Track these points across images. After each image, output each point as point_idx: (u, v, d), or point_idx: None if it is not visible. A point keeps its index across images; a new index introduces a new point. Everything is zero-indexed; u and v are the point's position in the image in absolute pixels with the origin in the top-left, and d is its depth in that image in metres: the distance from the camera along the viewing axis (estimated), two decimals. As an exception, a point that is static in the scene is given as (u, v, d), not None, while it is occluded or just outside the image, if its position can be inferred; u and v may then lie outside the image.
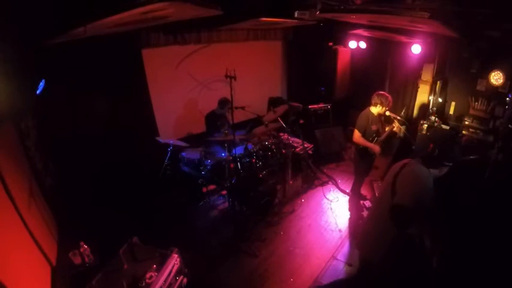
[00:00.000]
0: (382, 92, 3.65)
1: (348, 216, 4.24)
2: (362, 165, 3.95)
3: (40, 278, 2.80)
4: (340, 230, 4.01)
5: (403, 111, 3.85)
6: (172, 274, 2.71)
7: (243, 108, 4.39)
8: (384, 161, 5.08)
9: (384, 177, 4.94)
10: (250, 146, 4.53)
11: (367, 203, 4.45)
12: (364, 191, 4.50)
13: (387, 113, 3.66)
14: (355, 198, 4.17)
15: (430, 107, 5.32)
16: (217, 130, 4.48)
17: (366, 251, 2.37)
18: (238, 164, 4.09)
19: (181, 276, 2.86)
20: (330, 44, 6.08)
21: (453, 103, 5.10)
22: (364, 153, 3.82)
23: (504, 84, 4.36)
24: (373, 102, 3.65)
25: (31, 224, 2.88)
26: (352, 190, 4.17)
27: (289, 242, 3.83)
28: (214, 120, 4.52)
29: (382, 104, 3.59)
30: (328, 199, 4.72)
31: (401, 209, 1.99)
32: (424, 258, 2.11)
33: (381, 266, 2.29)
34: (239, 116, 4.57)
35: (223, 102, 4.47)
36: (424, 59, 5.20)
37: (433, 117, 5.06)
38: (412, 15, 2.87)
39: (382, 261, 2.27)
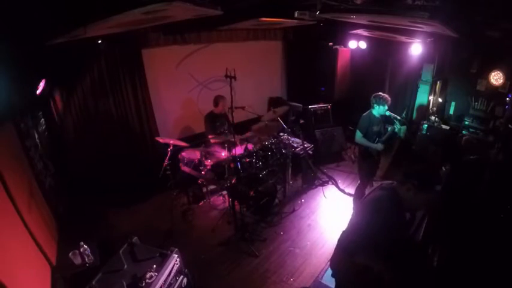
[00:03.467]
0: (381, 93, 3.71)
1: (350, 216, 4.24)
2: (366, 167, 3.99)
3: (40, 278, 2.80)
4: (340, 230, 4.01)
5: (405, 112, 3.88)
6: (172, 274, 2.71)
7: (243, 108, 4.39)
8: (384, 161, 5.09)
9: (384, 177, 4.97)
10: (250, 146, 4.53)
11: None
12: (366, 191, 4.50)
13: (387, 113, 3.70)
14: (360, 199, 4.17)
15: (430, 107, 5.32)
16: (215, 130, 4.48)
17: (337, 277, 2.29)
18: (238, 164, 4.09)
19: (181, 276, 2.86)
20: (330, 44, 6.07)
21: (453, 103, 5.10)
22: (366, 155, 3.86)
23: (504, 84, 4.36)
24: (372, 104, 3.72)
25: (31, 224, 2.88)
26: (356, 191, 4.18)
27: (289, 242, 3.83)
28: (213, 120, 4.52)
29: (381, 105, 3.65)
30: (328, 199, 4.71)
31: (346, 236, 1.92)
32: None
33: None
34: (239, 116, 4.57)
35: (215, 99, 4.48)
36: (424, 59, 5.20)
37: (433, 117, 5.06)
38: (412, 15, 2.87)
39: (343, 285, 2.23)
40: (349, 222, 2.02)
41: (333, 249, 2.21)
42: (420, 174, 1.85)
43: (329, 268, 3.40)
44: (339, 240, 1.93)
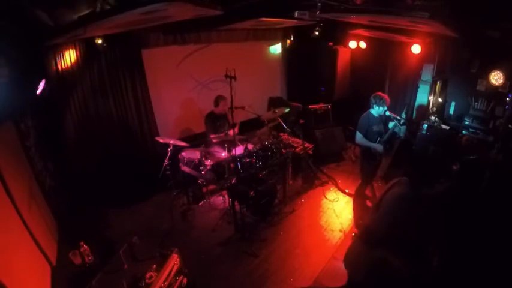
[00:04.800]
0: (379, 93, 3.71)
1: (350, 216, 4.25)
2: (367, 167, 3.99)
3: (40, 278, 2.80)
4: (340, 230, 4.01)
5: (404, 110, 3.87)
6: (172, 274, 2.71)
7: (243, 108, 4.39)
8: (384, 162, 5.08)
9: (384, 177, 4.96)
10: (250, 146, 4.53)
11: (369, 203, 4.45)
12: (366, 191, 4.50)
13: (387, 113, 3.70)
14: (360, 199, 4.17)
15: (430, 107, 5.32)
16: (216, 130, 4.48)
17: (349, 269, 2.30)
18: (238, 164, 4.09)
19: (181, 276, 2.86)
20: (330, 44, 6.07)
21: (453, 103, 5.09)
22: (368, 155, 3.86)
23: (504, 84, 4.35)
24: (371, 103, 3.72)
25: (31, 224, 2.88)
26: (357, 191, 4.18)
27: (289, 242, 3.83)
28: (214, 120, 4.51)
29: (380, 105, 3.65)
30: (328, 199, 4.72)
31: (369, 230, 1.95)
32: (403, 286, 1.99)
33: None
34: (239, 116, 4.57)
35: (216, 99, 4.47)
36: (424, 59, 5.20)
37: (433, 117, 5.05)
38: (412, 15, 2.87)
39: (364, 284, 2.20)
40: (371, 217, 2.03)
41: (334, 249, 2.22)
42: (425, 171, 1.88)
43: (329, 268, 3.42)
44: (360, 233, 1.96)
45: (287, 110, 4.62)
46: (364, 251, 2.12)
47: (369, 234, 1.94)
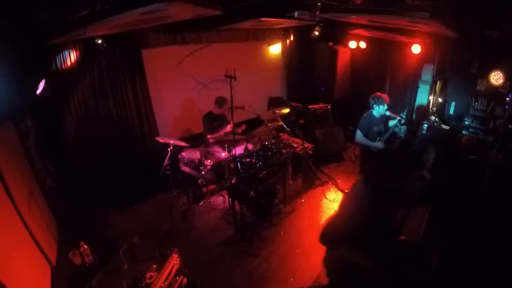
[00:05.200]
0: (379, 93, 3.73)
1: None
2: (367, 167, 3.99)
3: (40, 278, 2.81)
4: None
5: (405, 111, 3.88)
6: (172, 274, 2.71)
7: (243, 108, 4.39)
8: (384, 161, 5.08)
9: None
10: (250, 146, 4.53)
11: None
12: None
13: (387, 113, 3.71)
14: None
15: (430, 107, 5.32)
16: (214, 130, 4.47)
17: (327, 270, 2.33)
18: (238, 164, 4.09)
19: (181, 276, 2.86)
20: (330, 44, 6.07)
21: (453, 103, 5.09)
22: (368, 155, 3.87)
23: (504, 84, 4.35)
24: (371, 105, 3.74)
25: (31, 224, 2.88)
26: None
27: (289, 242, 3.83)
28: (212, 120, 4.51)
29: (380, 104, 3.67)
30: (328, 199, 4.72)
31: (327, 228, 1.97)
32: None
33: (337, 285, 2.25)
34: (239, 116, 4.57)
35: (221, 101, 4.44)
36: (424, 59, 5.20)
37: (433, 117, 5.06)
38: (412, 15, 2.87)
39: (344, 283, 2.23)
40: (333, 216, 2.08)
41: None
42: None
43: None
44: (323, 233, 1.98)
45: (287, 110, 4.62)
46: (329, 252, 2.16)
47: (332, 233, 1.96)
